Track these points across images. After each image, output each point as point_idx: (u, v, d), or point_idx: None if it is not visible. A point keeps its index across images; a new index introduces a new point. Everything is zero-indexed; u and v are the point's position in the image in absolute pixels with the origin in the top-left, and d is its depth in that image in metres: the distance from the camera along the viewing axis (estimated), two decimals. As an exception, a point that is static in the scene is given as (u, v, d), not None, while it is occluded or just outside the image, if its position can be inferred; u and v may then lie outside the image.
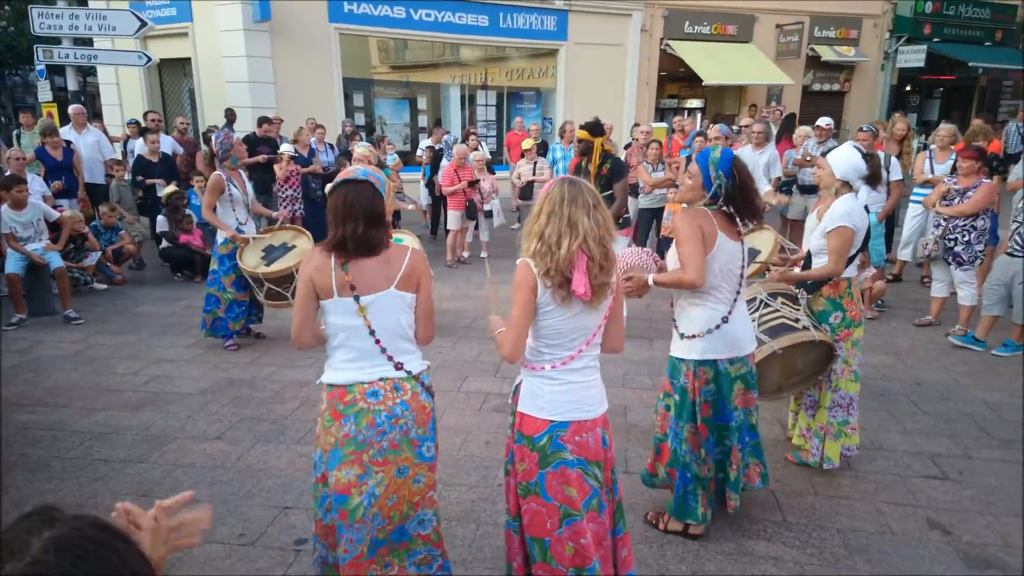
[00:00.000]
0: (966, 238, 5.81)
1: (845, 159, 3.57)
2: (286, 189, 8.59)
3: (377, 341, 2.30)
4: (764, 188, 6.28)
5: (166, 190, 8.21)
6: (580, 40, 15.19)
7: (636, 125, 10.74)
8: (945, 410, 4.61)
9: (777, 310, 3.55)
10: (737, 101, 18.02)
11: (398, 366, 2.34)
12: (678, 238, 2.89)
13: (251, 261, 5.54)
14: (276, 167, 8.55)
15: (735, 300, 2.96)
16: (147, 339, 6.04)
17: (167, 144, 9.23)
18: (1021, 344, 5.62)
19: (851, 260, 3.60)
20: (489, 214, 9.12)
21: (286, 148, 8.79)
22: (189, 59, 13.14)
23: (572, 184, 2.27)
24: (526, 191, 9.59)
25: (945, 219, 5.92)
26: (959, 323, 6.05)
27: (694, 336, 2.97)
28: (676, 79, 17.57)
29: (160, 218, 8.21)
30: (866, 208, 3.65)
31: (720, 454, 3.13)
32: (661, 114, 16.87)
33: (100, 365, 5.39)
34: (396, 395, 2.31)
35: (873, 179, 3.57)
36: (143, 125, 9.89)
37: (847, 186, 3.58)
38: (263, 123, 9.15)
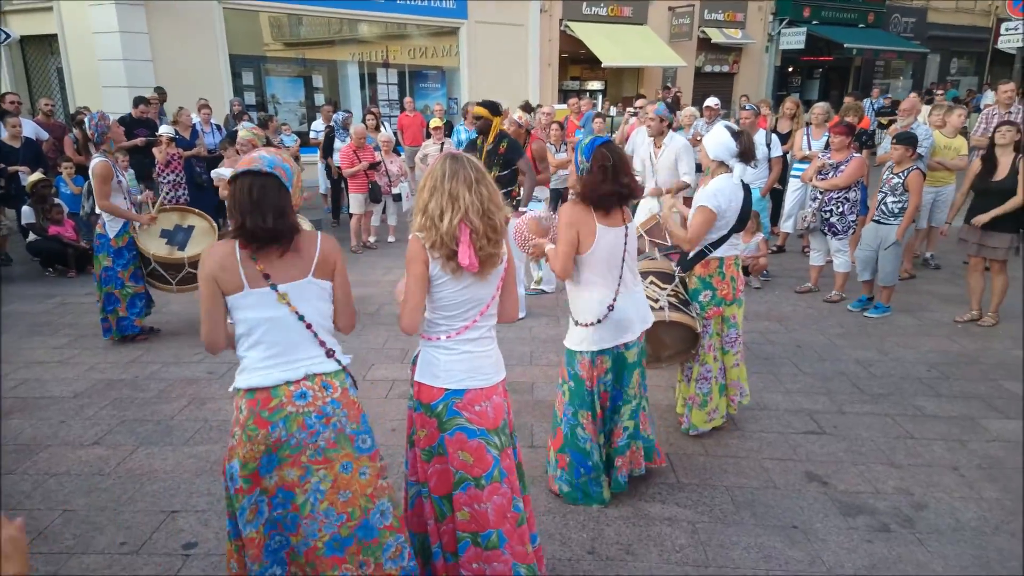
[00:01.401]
0: (840, 209, 6.22)
1: (715, 140, 3.70)
2: (168, 174, 8.05)
3: (308, 326, 2.18)
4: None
5: (31, 178, 7.51)
6: (481, 19, 15.09)
7: (539, 106, 10.79)
8: (822, 369, 4.95)
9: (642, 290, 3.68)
10: (636, 83, 18.49)
11: (330, 353, 2.23)
12: (558, 235, 3.04)
13: (161, 249, 5.45)
14: (155, 150, 8.00)
15: (619, 283, 3.07)
16: (15, 340, 5.54)
17: (30, 128, 8.41)
18: (889, 305, 6.10)
19: (723, 240, 3.72)
20: (398, 197, 8.90)
21: (165, 130, 8.23)
22: (56, 35, 12.04)
23: (455, 159, 2.31)
24: None
25: (821, 192, 6.32)
26: (835, 288, 6.51)
27: (587, 325, 3.07)
28: (578, 61, 17.83)
29: (26, 209, 7.51)
30: (746, 186, 3.78)
31: (607, 433, 3.29)
32: (564, 95, 17.04)
33: (-41, 372, 4.90)
34: (326, 394, 2.19)
35: (745, 156, 3.68)
36: (2, 107, 8.97)
37: (723, 166, 3.71)
38: (139, 103, 8.52)
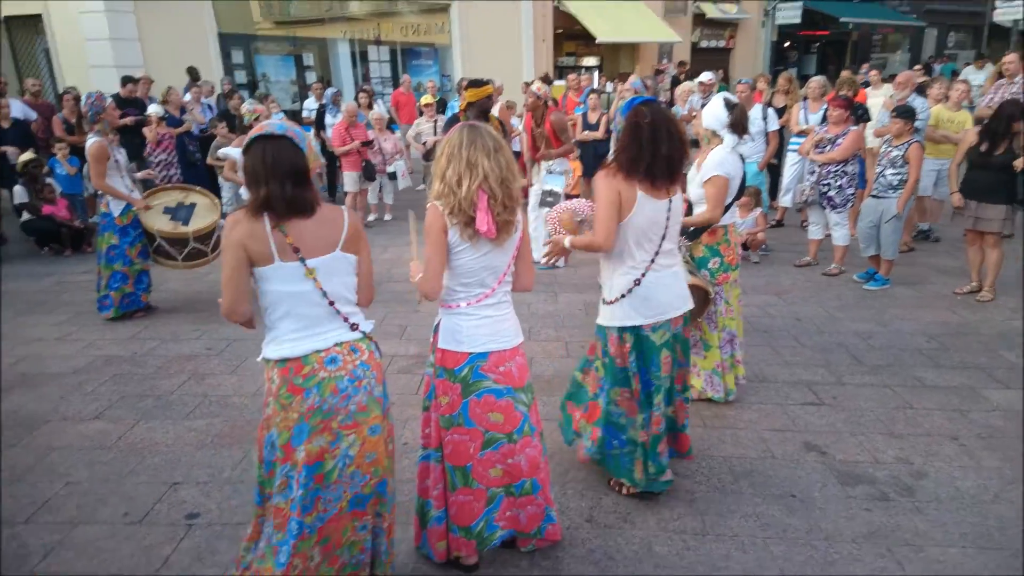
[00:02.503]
0: (838, 183, 6.19)
1: (709, 109, 3.71)
2: (159, 153, 7.97)
3: (331, 303, 2.18)
4: None
5: (21, 158, 7.43)
6: (473, -5, 14.90)
7: (532, 83, 10.67)
8: (821, 342, 4.96)
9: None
10: (632, 59, 18.33)
11: (354, 327, 2.25)
12: (596, 200, 2.83)
13: (166, 225, 5.46)
14: (146, 130, 7.92)
15: (652, 261, 2.86)
16: (12, 318, 5.53)
17: (19, 109, 8.33)
18: (889, 278, 6.10)
19: (727, 208, 3.73)
20: (393, 176, 8.80)
21: (154, 109, 8.14)
22: (40, 16, 11.86)
23: (472, 128, 2.36)
24: (431, 153, 9.33)
25: (819, 166, 6.29)
26: (834, 262, 6.50)
27: (611, 301, 2.92)
28: (573, 37, 17.65)
29: (18, 188, 7.44)
30: (742, 158, 3.78)
31: (646, 419, 3.02)
32: (560, 72, 16.91)
33: (-43, 350, 4.89)
34: (355, 357, 2.22)
35: (735, 127, 3.64)
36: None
37: (717, 136, 3.70)
38: (127, 83, 8.40)
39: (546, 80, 7.67)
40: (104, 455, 3.51)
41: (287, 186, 2.07)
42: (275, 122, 2.17)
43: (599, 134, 8.53)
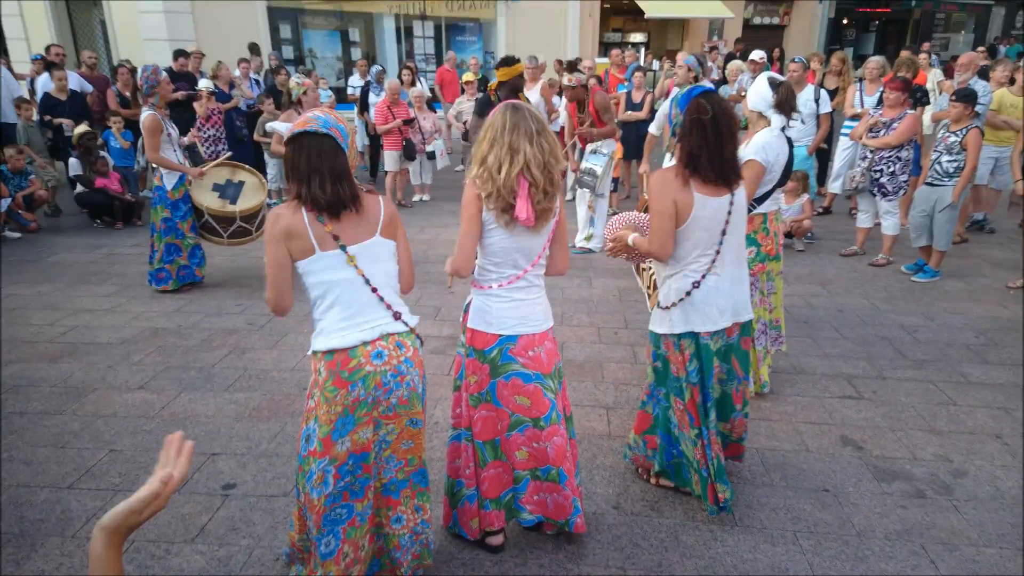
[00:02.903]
0: (891, 169, 5.96)
1: (754, 89, 3.56)
2: (208, 128, 8.13)
3: (374, 290, 2.18)
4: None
5: (76, 130, 7.66)
6: (519, -31, 14.71)
7: (579, 60, 10.49)
8: (864, 334, 4.82)
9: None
10: (680, 36, 17.89)
11: (396, 316, 2.24)
12: (650, 208, 2.69)
13: (214, 203, 5.58)
14: (196, 105, 8.07)
15: (713, 261, 2.67)
16: (64, 289, 5.75)
17: (75, 81, 8.57)
18: (939, 270, 5.88)
19: (767, 196, 3.59)
20: (431, 155, 8.76)
21: (205, 84, 8.28)
22: (98, -12, 12.20)
23: (515, 110, 2.29)
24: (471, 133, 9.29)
25: (872, 151, 6.05)
26: (882, 252, 6.29)
27: (666, 307, 2.76)
28: (620, 12, 17.29)
29: (72, 160, 7.69)
30: (789, 141, 3.62)
31: (706, 442, 2.83)
32: (605, 48, 16.60)
33: (14, 316, 5.11)
34: (400, 353, 2.22)
35: (781, 107, 3.48)
36: (47, 59, 9.13)
37: (763, 118, 3.55)
38: (179, 56, 8.54)
39: (572, 69, 7.51)
40: (147, 424, 3.64)
41: (327, 187, 2.08)
42: (320, 117, 2.13)
43: (643, 114, 8.32)
